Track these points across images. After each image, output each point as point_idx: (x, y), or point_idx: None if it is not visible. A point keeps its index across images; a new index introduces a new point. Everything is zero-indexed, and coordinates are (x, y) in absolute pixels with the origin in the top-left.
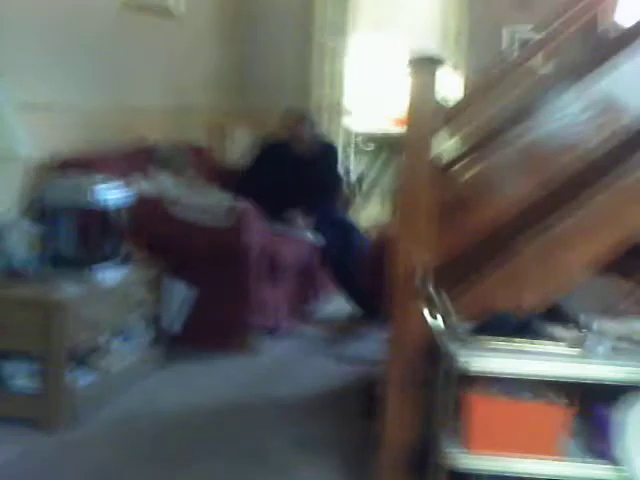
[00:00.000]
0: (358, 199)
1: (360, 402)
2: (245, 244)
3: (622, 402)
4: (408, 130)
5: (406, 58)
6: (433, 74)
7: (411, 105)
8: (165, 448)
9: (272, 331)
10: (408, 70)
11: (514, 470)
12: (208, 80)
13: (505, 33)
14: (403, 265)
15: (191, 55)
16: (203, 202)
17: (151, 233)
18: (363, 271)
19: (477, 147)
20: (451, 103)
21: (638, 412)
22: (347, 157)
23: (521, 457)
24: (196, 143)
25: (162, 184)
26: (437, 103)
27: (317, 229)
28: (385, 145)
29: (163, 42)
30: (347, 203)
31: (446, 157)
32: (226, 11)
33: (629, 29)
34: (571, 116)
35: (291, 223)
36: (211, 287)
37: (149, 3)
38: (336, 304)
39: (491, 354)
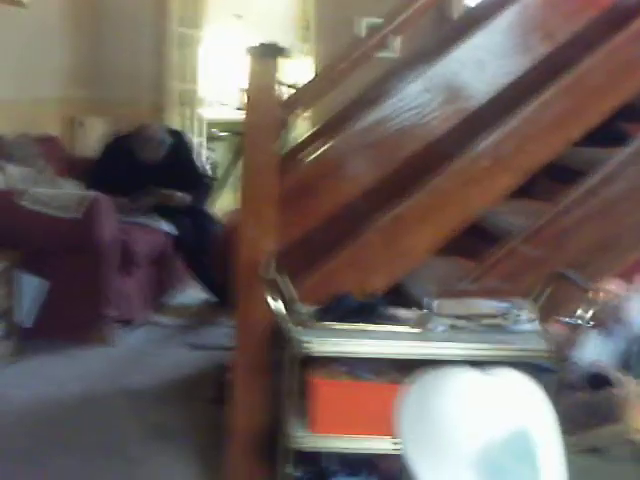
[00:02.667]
0: (214, 188)
1: (213, 389)
2: (96, 234)
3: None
4: (247, 117)
5: (246, 47)
6: (272, 62)
7: (249, 93)
8: (18, 444)
9: (126, 321)
10: (247, 58)
11: (357, 449)
12: (60, 70)
13: (357, 22)
14: (246, 251)
15: (42, 44)
16: (53, 193)
17: (1, 226)
18: (215, 259)
19: (323, 132)
20: (296, 86)
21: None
22: (201, 146)
23: (364, 436)
24: (48, 134)
25: (10, 176)
26: (275, 91)
27: (171, 218)
28: (237, 133)
29: (13, 31)
30: (204, 192)
31: (294, 142)
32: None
33: (470, 12)
34: (413, 103)
35: (139, 206)
36: (63, 279)
37: None
38: (190, 292)
39: (333, 336)
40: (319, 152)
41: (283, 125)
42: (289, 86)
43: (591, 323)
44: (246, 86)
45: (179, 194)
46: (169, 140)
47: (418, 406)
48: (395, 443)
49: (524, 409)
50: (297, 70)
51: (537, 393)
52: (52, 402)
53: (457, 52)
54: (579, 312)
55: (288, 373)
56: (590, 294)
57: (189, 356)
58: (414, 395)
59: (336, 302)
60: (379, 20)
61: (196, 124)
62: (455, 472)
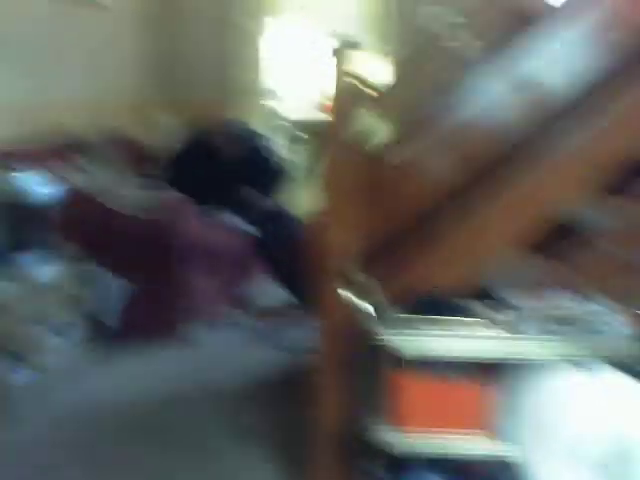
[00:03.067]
0: (294, 187)
1: (295, 389)
2: (178, 234)
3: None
4: (331, 116)
5: (330, 44)
6: (355, 59)
7: (335, 91)
8: (104, 443)
9: (209, 321)
10: (331, 56)
11: (445, 451)
12: (134, 70)
13: (433, 17)
14: (331, 252)
15: (115, 44)
16: (133, 193)
17: (82, 226)
18: (298, 259)
19: (406, 131)
20: (378, 87)
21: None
22: (280, 145)
23: (452, 437)
24: (122, 132)
25: (91, 176)
26: (362, 88)
27: (253, 218)
28: (317, 132)
29: (87, 32)
30: (283, 191)
31: (375, 140)
32: (151, 1)
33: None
34: (495, 98)
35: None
36: (146, 279)
37: None
38: (272, 293)
39: (421, 336)
40: (404, 151)
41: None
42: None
43: None
44: (331, 84)
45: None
46: (249, 137)
47: (517, 406)
48: (488, 444)
49: (627, 411)
50: (365, 63)
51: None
52: (136, 401)
53: (540, 51)
54: None
55: (375, 373)
56: None
57: (271, 356)
58: (522, 397)
59: (424, 302)
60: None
61: (265, 117)
62: (573, 472)
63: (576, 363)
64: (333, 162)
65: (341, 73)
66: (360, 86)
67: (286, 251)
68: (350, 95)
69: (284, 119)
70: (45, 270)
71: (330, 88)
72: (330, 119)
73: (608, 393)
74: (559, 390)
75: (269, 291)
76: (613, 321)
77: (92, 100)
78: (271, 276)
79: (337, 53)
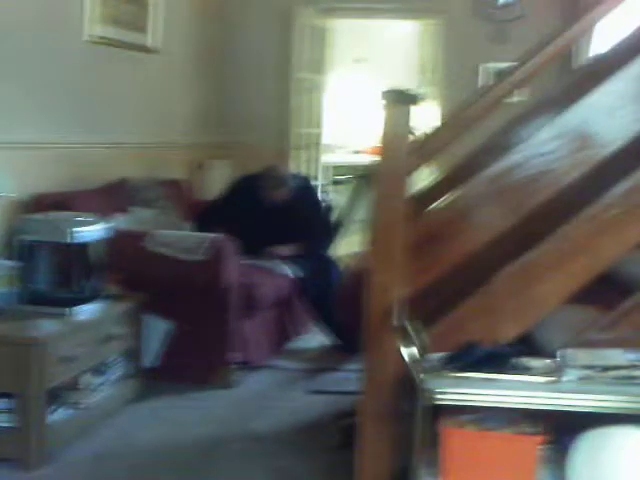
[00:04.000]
0: (340, 233)
1: (335, 434)
2: (221, 277)
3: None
4: (381, 162)
5: (380, 92)
6: (407, 108)
7: (385, 138)
8: None
9: (249, 365)
10: (382, 103)
11: None
12: (187, 115)
13: (482, 69)
14: (377, 297)
15: (169, 91)
16: (178, 235)
17: (129, 268)
18: (340, 303)
19: (452, 178)
20: (423, 135)
21: (588, 444)
22: (324, 190)
23: None
24: (175, 178)
25: (140, 219)
26: (411, 136)
27: (294, 261)
28: (360, 176)
29: (141, 78)
30: (328, 239)
31: (421, 189)
32: (204, 46)
33: (598, 61)
34: (543, 149)
35: (271, 256)
36: (188, 321)
37: (126, 39)
38: (313, 337)
39: (461, 385)
40: (449, 199)
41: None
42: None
43: None
44: (380, 132)
45: (288, 249)
46: (294, 182)
47: (589, 465)
48: None
49: None
50: (418, 114)
51: None
52: (174, 444)
53: (588, 99)
54: None
55: (417, 421)
56: None
57: (311, 401)
58: (584, 453)
59: (465, 350)
60: (499, 65)
61: (318, 168)
62: None
63: (626, 415)
64: (381, 207)
65: (391, 120)
66: (409, 133)
67: (328, 294)
68: (399, 143)
69: (329, 164)
70: (88, 309)
71: (380, 135)
72: (379, 166)
73: None
74: (613, 445)
75: (310, 334)
76: None
77: (140, 143)
78: (312, 319)
79: (388, 100)
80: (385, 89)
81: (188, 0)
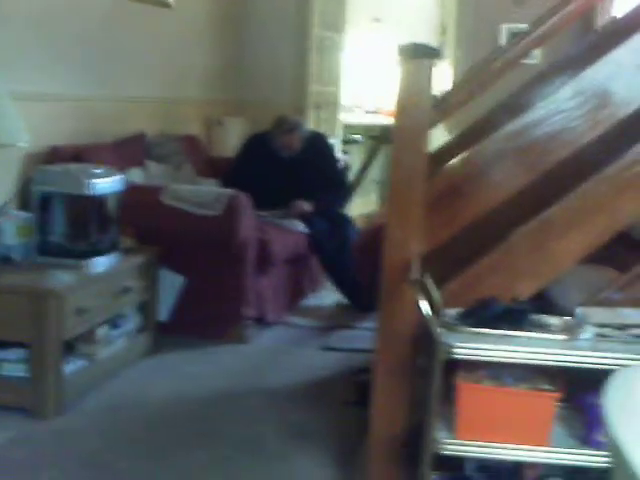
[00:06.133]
0: (355, 192)
1: (348, 391)
2: (235, 232)
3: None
4: (398, 120)
5: (396, 48)
6: (424, 63)
7: (401, 95)
8: (156, 436)
9: (262, 320)
10: (398, 60)
11: (502, 457)
12: (203, 71)
13: (502, 29)
14: (393, 253)
15: (186, 46)
16: (192, 190)
17: (143, 222)
18: (353, 261)
19: (470, 137)
20: (440, 93)
21: (617, 389)
22: (338, 149)
23: (508, 444)
24: (191, 134)
25: (155, 174)
26: (429, 93)
27: (307, 219)
28: (376, 136)
29: (158, 32)
30: (344, 196)
31: (439, 146)
32: (222, 2)
33: (619, 21)
34: (563, 107)
35: (295, 211)
36: (201, 276)
37: None
38: (325, 294)
39: (478, 340)
40: (467, 155)
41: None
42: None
43: None
44: (397, 87)
45: (304, 205)
46: (307, 132)
47: (625, 402)
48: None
49: None
50: (435, 74)
51: None
52: (187, 398)
53: (610, 57)
54: None
55: (432, 377)
56: None
57: (323, 357)
58: (619, 390)
59: (482, 306)
60: (519, 26)
61: (335, 127)
62: None
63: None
64: (398, 163)
65: (408, 77)
66: (429, 91)
67: (341, 252)
68: (417, 100)
69: (344, 124)
70: (103, 261)
71: (397, 92)
72: (396, 124)
73: None
74: None
75: (322, 291)
76: None
77: (157, 98)
78: (325, 276)
79: (404, 56)
80: (401, 45)
81: None
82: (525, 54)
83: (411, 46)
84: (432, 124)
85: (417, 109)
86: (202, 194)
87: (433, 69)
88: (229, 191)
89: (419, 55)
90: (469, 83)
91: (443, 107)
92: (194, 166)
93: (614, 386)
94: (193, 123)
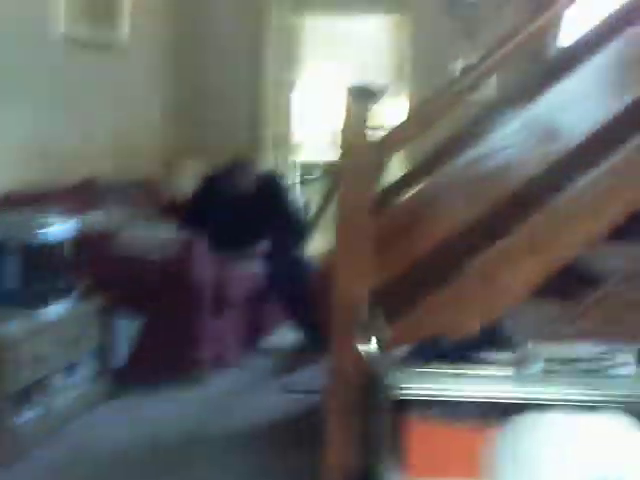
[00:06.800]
0: (312, 231)
1: (306, 431)
2: (190, 276)
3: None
4: (342, 159)
5: (343, 90)
6: (366, 104)
7: (345, 135)
8: None
9: (219, 363)
10: (345, 100)
11: None
12: (158, 114)
13: (457, 64)
14: (343, 293)
15: (140, 90)
16: (147, 235)
17: (97, 267)
18: (310, 301)
19: (418, 172)
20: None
21: (508, 439)
22: (295, 188)
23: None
24: (146, 177)
25: (110, 219)
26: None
27: (267, 259)
28: (331, 173)
29: (111, 76)
30: (300, 236)
31: (393, 181)
32: (173, 44)
33: (564, 51)
34: (510, 141)
35: (246, 254)
36: (158, 319)
37: (91, 37)
38: (284, 334)
39: (426, 379)
40: (415, 191)
41: (379, 167)
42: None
43: None
44: (342, 128)
45: (263, 247)
46: (261, 172)
47: (514, 450)
48: None
49: (624, 455)
50: (391, 110)
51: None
52: (144, 444)
53: (552, 92)
54: None
55: (382, 416)
56: None
57: (282, 398)
58: (510, 439)
59: (430, 344)
60: (473, 61)
61: (290, 166)
62: None
63: (581, 405)
64: (344, 203)
65: (354, 117)
66: (370, 130)
67: (299, 291)
68: (360, 137)
69: (301, 163)
70: (57, 309)
71: (341, 132)
72: (341, 163)
73: (608, 435)
74: (558, 433)
75: (281, 331)
76: (621, 361)
77: (112, 142)
78: (284, 316)
79: (350, 97)
80: (349, 85)
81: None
82: (473, 86)
83: (356, 87)
84: (380, 161)
85: (360, 149)
86: (157, 238)
87: (385, 107)
88: (183, 235)
89: (361, 96)
90: (416, 118)
91: (390, 143)
92: (150, 210)
93: (505, 436)
94: (149, 166)
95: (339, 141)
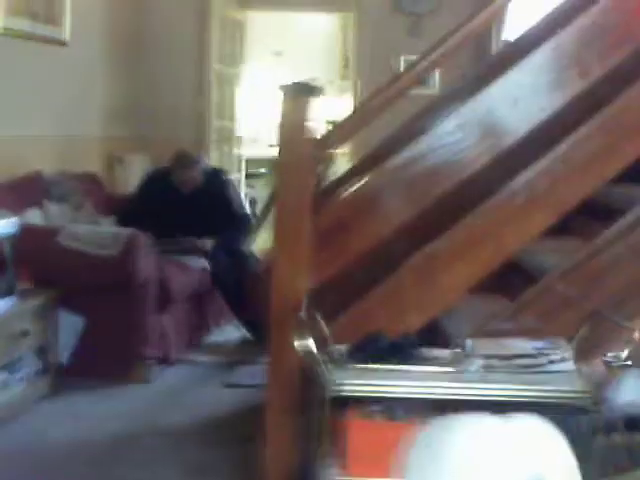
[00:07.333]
0: (253, 227)
1: (249, 428)
2: (133, 272)
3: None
4: (279, 156)
5: (279, 86)
6: (305, 100)
7: (282, 131)
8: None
9: (163, 359)
10: (281, 97)
11: None
12: (101, 108)
13: (401, 61)
14: (279, 290)
15: (84, 83)
16: (90, 230)
17: (40, 264)
18: (252, 297)
19: (360, 168)
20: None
21: (420, 449)
22: (240, 183)
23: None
24: (90, 172)
25: (53, 214)
26: (309, 130)
27: (208, 255)
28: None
29: (55, 69)
30: (243, 232)
31: (338, 177)
32: (118, 39)
33: (506, 48)
34: (448, 138)
35: (189, 247)
36: (101, 316)
37: (34, 30)
38: (228, 330)
39: (364, 376)
40: (353, 189)
41: (318, 163)
42: (329, 122)
43: (629, 362)
44: (279, 125)
45: (199, 242)
46: (207, 167)
47: (428, 452)
48: None
49: (540, 456)
50: (338, 106)
51: (556, 439)
52: (88, 441)
53: (491, 89)
54: (617, 351)
55: (320, 413)
56: (627, 333)
57: (226, 394)
58: (425, 441)
59: (368, 341)
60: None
61: (235, 161)
62: None
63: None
64: (281, 199)
65: (289, 114)
66: (310, 124)
67: (242, 287)
68: (297, 133)
69: (247, 157)
70: None
71: (278, 127)
72: (278, 160)
73: (524, 438)
74: (470, 434)
75: (225, 327)
76: (559, 357)
77: (55, 136)
78: (227, 312)
79: (285, 94)
80: (286, 83)
81: None
82: (416, 81)
83: (291, 85)
84: (319, 158)
85: (297, 146)
86: (100, 234)
87: (328, 102)
88: (127, 231)
89: (299, 93)
90: (361, 113)
91: (330, 139)
92: (94, 205)
93: (416, 446)
94: (93, 161)
95: (277, 137)
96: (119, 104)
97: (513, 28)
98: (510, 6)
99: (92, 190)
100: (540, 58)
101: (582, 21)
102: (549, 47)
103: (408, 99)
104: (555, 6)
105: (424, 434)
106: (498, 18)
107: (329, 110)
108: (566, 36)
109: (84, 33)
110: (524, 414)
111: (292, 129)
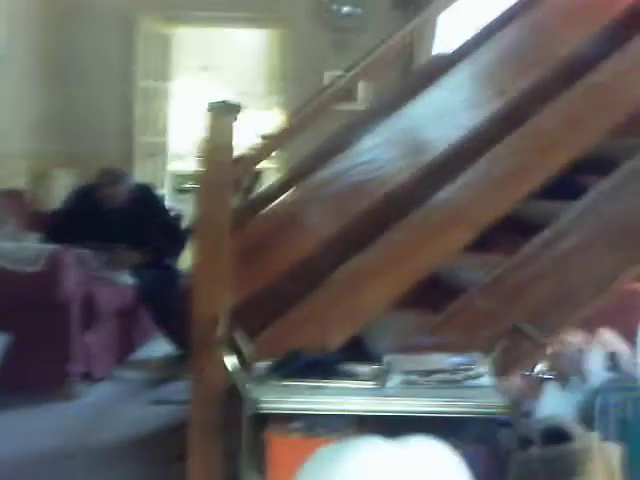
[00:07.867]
0: (181, 239)
1: (176, 445)
2: (58, 288)
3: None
4: (201, 174)
5: (205, 105)
6: (228, 119)
7: (204, 149)
8: None
9: (90, 376)
10: (205, 116)
11: None
12: (29, 123)
13: (326, 77)
14: (203, 307)
15: (10, 98)
16: (14, 246)
17: None
18: (180, 312)
19: (284, 184)
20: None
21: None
22: (169, 198)
23: None
24: (16, 188)
25: None
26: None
27: (135, 270)
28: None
29: None
30: (176, 245)
31: (263, 192)
32: (46, 53)
33: (429, 65)
34: (369, 154)
35: (119, 261)
36: (26, 333)
37: None
38: (156, 346)
39: (286, 393)
40: (275, 205)
41: (242, 179)
42: (264, 137)
43: (549, 376)
44: (202, 143)
45: (129, 254)
46: (133, 183)
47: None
48: None
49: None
50: (268, 121)
51: (452, 462)
52: (11, 460)
53: (411, 106)
54: (536, 365)
55: (243, 430)
56: (546, 347)
57: (154, 411)
58: (313, 469)
59: (291, 358)
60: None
61: (165, 176)
62: None
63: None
64: (202, 217)
65: (213, 132)
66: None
67: (169, 303)
68: (219, 152)
69: (176, 173)
70: None
71: (201, 145)
72: (200, 177)
73: (418, 462)
74: (360, 460)
75: (153, 343)
76: (478, 372)
77: None
78: (155, 328)
79: (210, 113)
80: (210, 101)
81: (29, 6)
82: (341, 95)
83: (215, 103)
84: (239, 176)
85: (219, 164)
86: (23, 250)
87: (259, 117)
88: (51, 247)
89: (220, 112)
90: (280, 131)
91: (252, 157)
92: (18, 221)
93: (309, 469)
94: (19, 177)
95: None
96: (46, 120)
97: (445, 43)
98: (442, 21)
99: (16, 206)
100: (459, 77)
101: (500, 39)
102: (467, 66)
103: (338, 114)
104: (484, 22)
105: (314, 458)
106: (428, 33)
107: (260, 125)
108: (485, 54)
109: (13, 48)
110: (423, 437)
111: (214, 147)
